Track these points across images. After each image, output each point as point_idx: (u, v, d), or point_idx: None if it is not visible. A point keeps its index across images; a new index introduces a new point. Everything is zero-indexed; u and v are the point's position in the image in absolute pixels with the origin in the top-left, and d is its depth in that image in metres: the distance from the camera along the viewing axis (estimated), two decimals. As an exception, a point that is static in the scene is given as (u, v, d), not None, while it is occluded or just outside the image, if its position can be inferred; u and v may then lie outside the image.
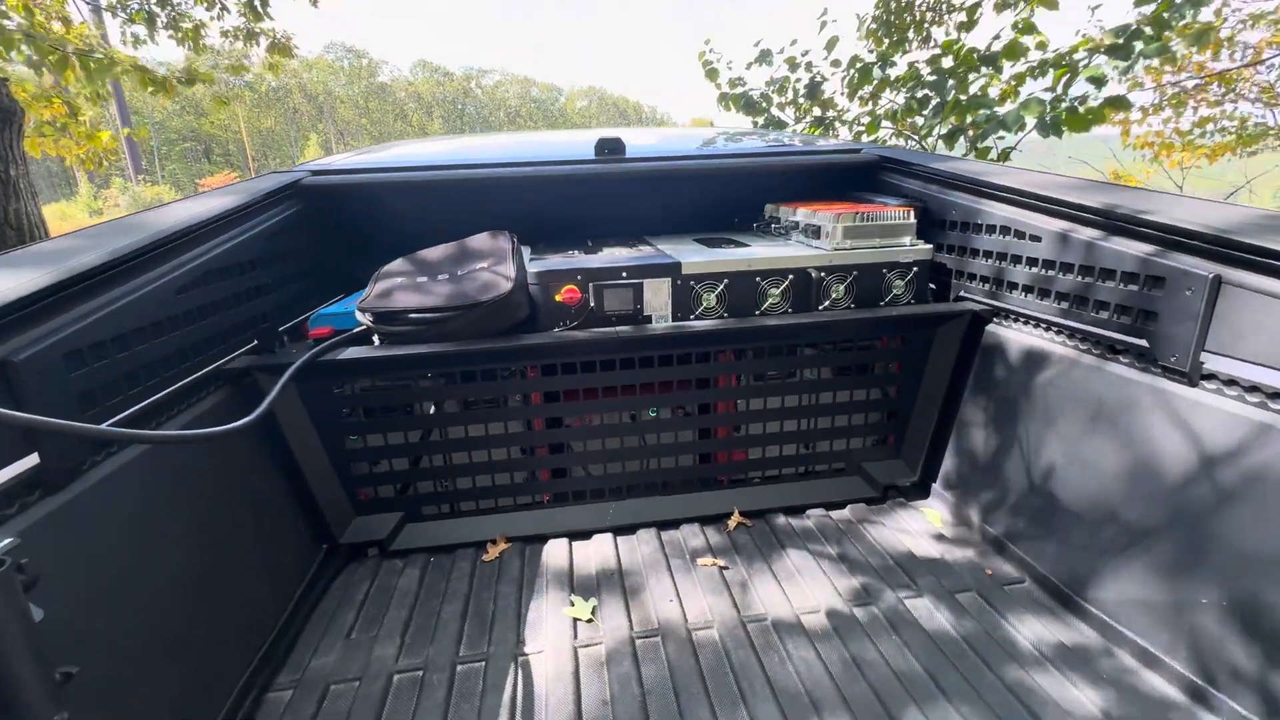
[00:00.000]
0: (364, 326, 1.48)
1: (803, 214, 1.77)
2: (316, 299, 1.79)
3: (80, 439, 0.87)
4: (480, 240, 1.71)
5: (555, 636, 1.26)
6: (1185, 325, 1.06)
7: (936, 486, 1.70)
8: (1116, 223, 1.21)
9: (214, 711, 1.06)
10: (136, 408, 1.04)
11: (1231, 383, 1.01)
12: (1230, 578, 0.98)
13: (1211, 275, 1.01)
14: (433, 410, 1.59)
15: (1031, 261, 1.40)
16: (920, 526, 1.59)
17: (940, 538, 1.54)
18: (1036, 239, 1.38)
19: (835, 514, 1.66)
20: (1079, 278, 1.28)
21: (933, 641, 1.21)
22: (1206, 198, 1.22)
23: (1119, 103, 2.89)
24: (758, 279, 1.57)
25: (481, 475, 1.60)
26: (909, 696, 1.08)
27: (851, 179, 2.04)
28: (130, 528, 0.96)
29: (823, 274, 1.59)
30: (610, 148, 1.99)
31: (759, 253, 1.59)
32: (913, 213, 1.64)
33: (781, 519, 1.64)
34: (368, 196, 1.82)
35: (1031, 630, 1.22)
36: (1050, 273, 1.35)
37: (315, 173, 1.84)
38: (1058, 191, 1.35)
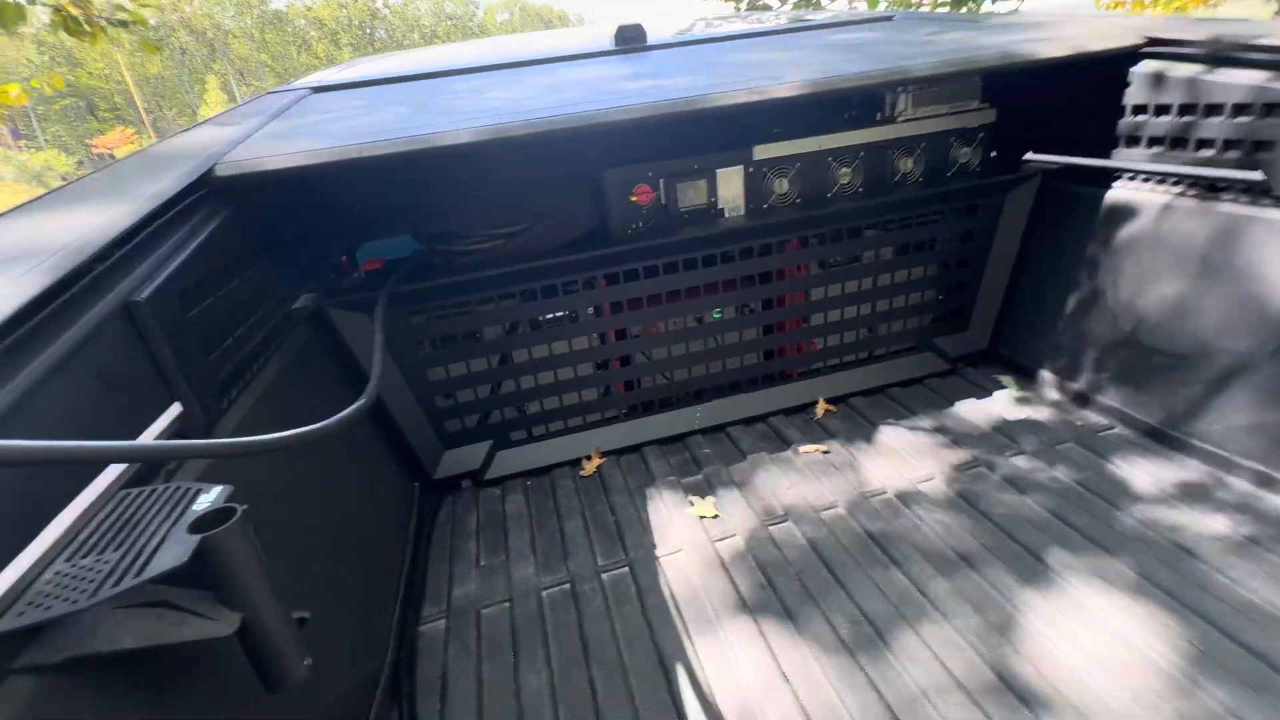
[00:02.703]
0: (424, 251, 1.37)
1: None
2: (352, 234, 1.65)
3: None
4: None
5: (688, 535, 1.27)
6: (1308, 150, 1.06)
7: (1008, 353, 1.73)
8: (1223, 54, 1.17)
9: (381, 651, 1.04)
10: (241, 353, 0.94)
11: None
12: None
13: None
14: (508, 332, 1.51)
15: (1115, 111, 1.37)
16: (999, 392, 1.63)
17: (1022, 400, 1.59)
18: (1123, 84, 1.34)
19: (913, 390, 1.69)
20: (1177, 118, 1.26)
21: (1050, 489, 1.26)
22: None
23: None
24: (829, 159, 1.50)
25: (568, 393, 1.55)
26: (1047, 537, 1.14)
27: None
28: (267, 476, 0.89)
29: (892, 149, 1.53)
30: (631, 36, 1.84)
31: (828, 133, 1.52)
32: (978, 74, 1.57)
33: (862, 401, 1.66)
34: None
35: (1140, 469, 1.29)
36: (1140, 118, 1.33)
37: (320, 89, 1.64)
38: (1144, 31, 1.30)
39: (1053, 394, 1.58)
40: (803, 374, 1.73)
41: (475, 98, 1.39)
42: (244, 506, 0.57)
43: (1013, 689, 0.90)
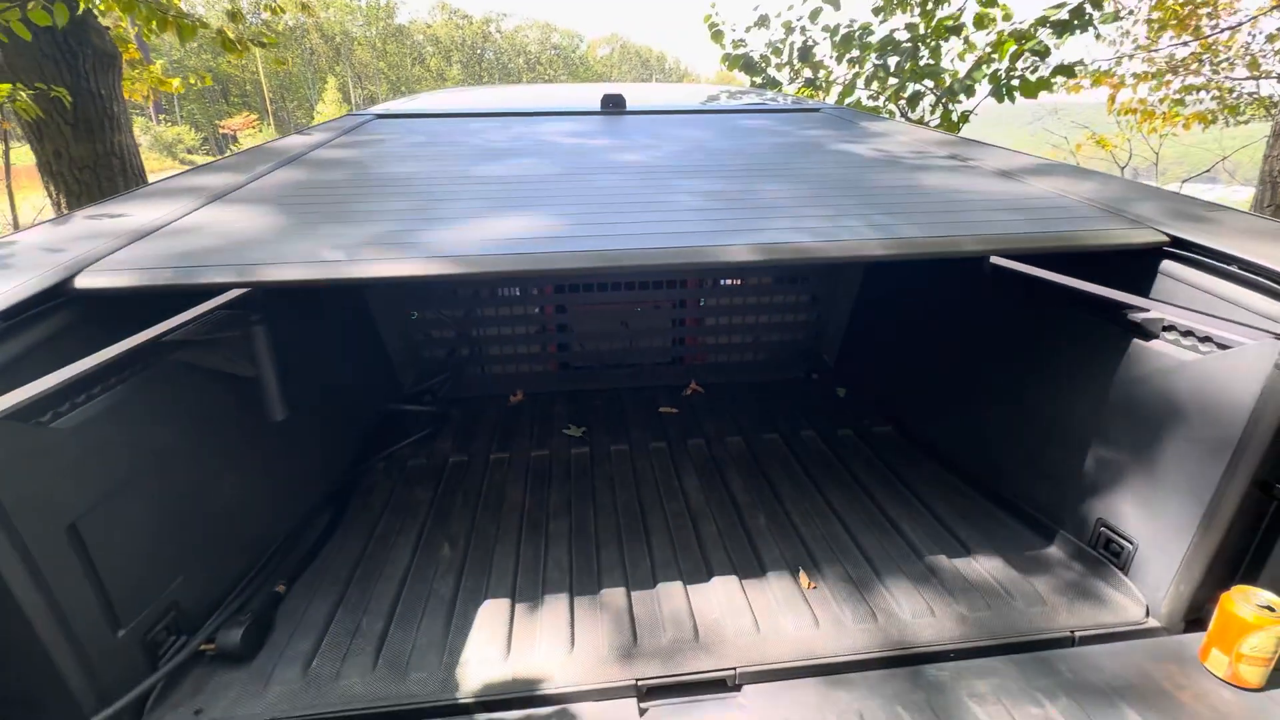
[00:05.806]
0: None
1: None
2: None
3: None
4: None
5: (555, 446, 1.86)
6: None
7: (845, 370, 2.25)
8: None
9: (339, 471, 1.67)
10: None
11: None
12: (1022, 407, 1.53)
13: None
14: (472, 298, 2.15)
15: None
16: (826, 396, 2.15)
17: (840, 402, 2.10)
18: None
19: (766, 387, 2.23)
20: None
21: (815, 455, 1.78)
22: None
23: (1066, 70, 3.27)
24: None
25: (508, 347, 2.18)
26: (786, 476, 1.67)
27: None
28: (302, 340, 1.54)
29: None
30: (614, 101, 2.49)
31: None
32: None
33: (725, 392, 2.21)
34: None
35: (886, 456, 1.78)
36: None
37: (382, 116, 2.36)
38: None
39: (861, 402, 2.09)
40: (688, 365, 2.30)
41: (476, 139, 2.05)
42: (266, 325, 1.21)
43: (701, 558, 1.43)
